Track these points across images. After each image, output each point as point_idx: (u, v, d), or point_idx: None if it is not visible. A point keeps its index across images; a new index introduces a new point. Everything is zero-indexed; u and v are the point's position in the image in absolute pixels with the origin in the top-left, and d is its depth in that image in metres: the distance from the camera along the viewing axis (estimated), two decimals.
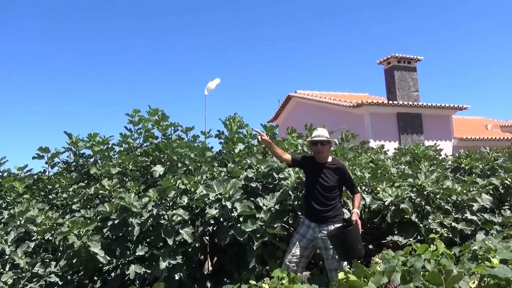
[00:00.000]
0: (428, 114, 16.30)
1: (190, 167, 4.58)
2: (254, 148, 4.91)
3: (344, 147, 5.21)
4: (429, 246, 2.90)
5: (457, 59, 65.49)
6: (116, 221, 3.79)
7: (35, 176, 5.53)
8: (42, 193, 5.20)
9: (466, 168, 5.31)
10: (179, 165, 4.60)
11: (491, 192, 4.62)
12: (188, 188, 3.97)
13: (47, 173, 5.42)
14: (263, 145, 4.22)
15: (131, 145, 5.43)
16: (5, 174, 5.47)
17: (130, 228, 3.74)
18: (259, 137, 3.74)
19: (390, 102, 15.93)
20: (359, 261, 3.37)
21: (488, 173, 5.16)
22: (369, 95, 19.13)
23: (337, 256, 3.41)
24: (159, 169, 4.51)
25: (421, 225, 4.01)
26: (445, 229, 3.97)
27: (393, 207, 4.08)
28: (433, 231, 3.90)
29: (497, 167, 5.16)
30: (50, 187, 5.10)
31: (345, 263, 3.45)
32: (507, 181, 4.81)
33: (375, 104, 15.50)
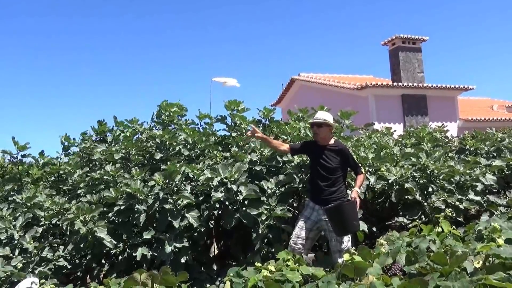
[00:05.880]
0: (433, 96, 16.13)
1: (190, 154, 4.59)
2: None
3: (343, 128, 4.95)
4: (434, 227, 2.90)
5: (463, 40, 64.51)
6: (122, 207, 3.82)
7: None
8: (52, 178, 5.24)
9: (471, 149, 5.28)
10: (181, 150, 4.62)
11: (495, 172, 4.60)
12: (191, 176, 3.98)
13: (59, 160, 5.44)
14: (259, 140, 4.15)
15: (137, 130, 5.42)
16: (25, 160, 5.44)
17: (136, 215, 3.77)
18: (249, 133, 3.71)
19: (395, 83, 15.76)
20: (363, 243, 3.38)
21: (494, 154, 5.12)
22: (374, 77, 18.91)
23: (339, 238, 3.43)
24: (158, 156, 4.62)
25: (425, 203, 4.02)
26: (449, 208, 3.98)
27: (397, 187, 4.07)
28: (437, 209, 3.90)
29: (503, 148, 5.11)
30: (60, 172, 5.13)
31: (349, 245, 3.47)
32: None
33: (379, 86, 15.33)
